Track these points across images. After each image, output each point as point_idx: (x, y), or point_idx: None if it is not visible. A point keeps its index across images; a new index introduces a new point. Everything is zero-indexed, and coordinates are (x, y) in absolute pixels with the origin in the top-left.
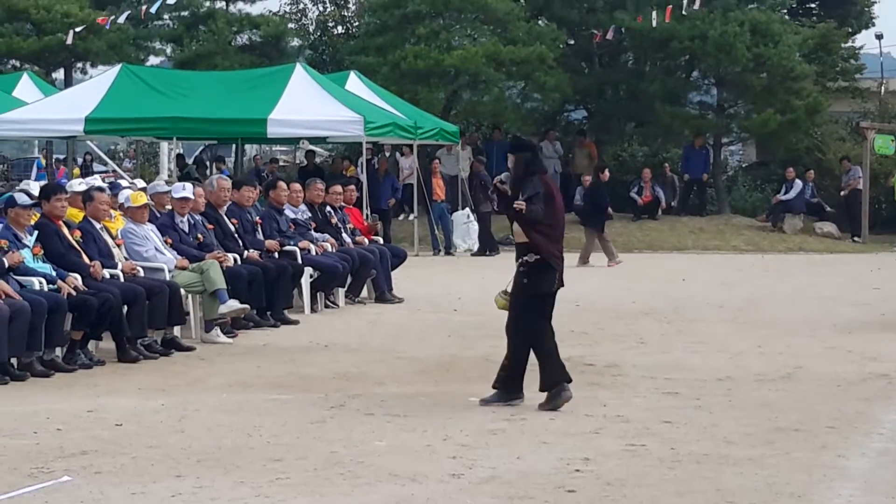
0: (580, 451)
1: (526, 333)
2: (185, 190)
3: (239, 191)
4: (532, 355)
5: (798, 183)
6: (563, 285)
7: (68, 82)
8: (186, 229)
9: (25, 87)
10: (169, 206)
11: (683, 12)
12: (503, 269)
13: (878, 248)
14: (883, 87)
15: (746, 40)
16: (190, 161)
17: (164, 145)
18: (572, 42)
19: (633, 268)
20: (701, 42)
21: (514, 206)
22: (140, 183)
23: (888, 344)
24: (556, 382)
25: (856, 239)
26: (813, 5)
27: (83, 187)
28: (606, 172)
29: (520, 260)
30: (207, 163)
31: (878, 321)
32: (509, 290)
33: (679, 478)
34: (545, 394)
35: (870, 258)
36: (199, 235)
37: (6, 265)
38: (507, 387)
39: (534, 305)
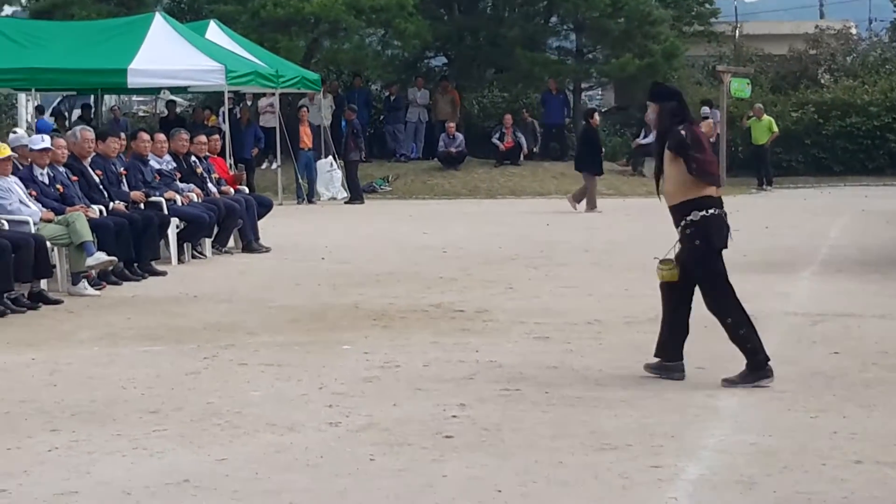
0: (455, 396)
1: (717, 302)
2: (44, 141)
3: (104, 142)
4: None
5: None
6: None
7: None
8: (47, 181)
9: None
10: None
11: None
12: (367, 217)
13: (735, 191)
14: (738, 31)
15: None
16: (48, 113)
17: (22, 97)
18: None
19: (497, 213)
20: None
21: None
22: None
23: (751, 285)
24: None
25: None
26: None
27: None
28: (596, 117)
29: (683, 222)
30: (66, 114)
31: (741, 262)
32: (673, 256)
33: (554, 420)
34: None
35: (728, 200)
36: (60, 187)
37: None
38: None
39: (716, 265)
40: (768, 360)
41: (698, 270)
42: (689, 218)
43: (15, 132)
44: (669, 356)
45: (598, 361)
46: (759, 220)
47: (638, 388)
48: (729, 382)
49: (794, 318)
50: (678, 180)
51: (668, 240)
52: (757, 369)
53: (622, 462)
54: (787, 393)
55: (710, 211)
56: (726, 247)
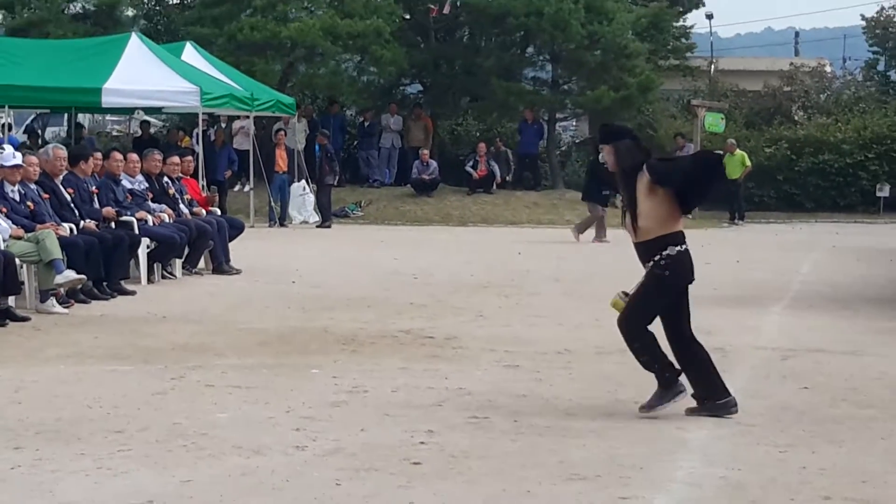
0: (424, 423)
1: (631, 325)
2: (16, 158)
3: (75, 166)
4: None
5: None
6: None
7: None
8: (17, 198)
9: None
10: None
11: None
12: (339, 242)
13: (707, 224)
14: (713, 66)
15: (581, 17)
16: (20, 130)
17: None
18: (409, 16)
19: (468, 241)
20: (536, 18)
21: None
22: None
23: (721, 319)
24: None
25: (687, 216)
26: None
27: None
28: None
29: (658, 256)
30: (39, 132)
31: (711, 296)
32: (630, 291)
33: (522, 450)
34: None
35: (700, 234)
36: (30, 204)
37: None
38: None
39: (665, 299)
40: (679, 374)
41: (645, 291)
42: (664, 252)
43: None
44: (717, 394)
45: (568, 391)
46: (730, 253)
47: (607, 419)
48: (647, 407)
49: (764, 353)
50: (656, 215)
51: (639, 272)
52: (668, 386)
53: (590, 493)
54: (756, 427)
55: (683, 246)
56: (692, 281)
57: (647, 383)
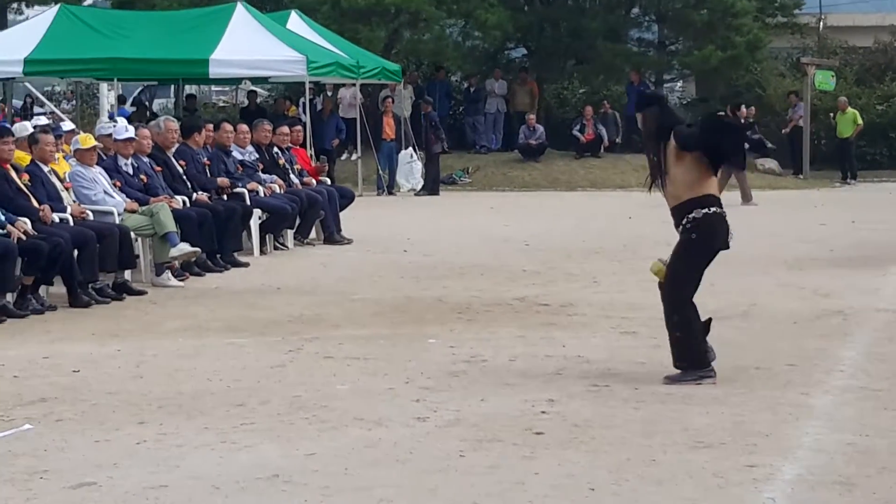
0: (544, 392)
1: (678, 296)
2: (128, 131)
3: (191, 137)
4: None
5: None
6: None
7: (2, 23)
8: (131, 172)
9: None
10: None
11: None
12: (448, 209)
13: (819, 185)
14: (822, 23)
15: None
16: (129, 102)
17: (104, 86)
18: None
19: (578, 206)
20: None
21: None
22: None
23: (839, 280)
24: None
25: (799, 175)
26: None
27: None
28: (744, 109)
29: (685, 220)
30: (147, 104)
31: (828, 257)
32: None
33: (645, 418)
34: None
35: (812, 194)
36: (143, 177)
37: None
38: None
39: (700, 264)
40: (709, 363)
41: (677, 257)
42: (691, 216)
43: (102, 122)
44: (697, 363)
45: None
46: (844, 214)
47: (729, 385)
48: (669, 380)
49: (886, 315)
50: (684, 179)
51: (754, 235)
52: (696, 368)
53: (717, 461)
54: (882, 392)
55: (713, 209)
56: (727, 247)
57: (768, 348)
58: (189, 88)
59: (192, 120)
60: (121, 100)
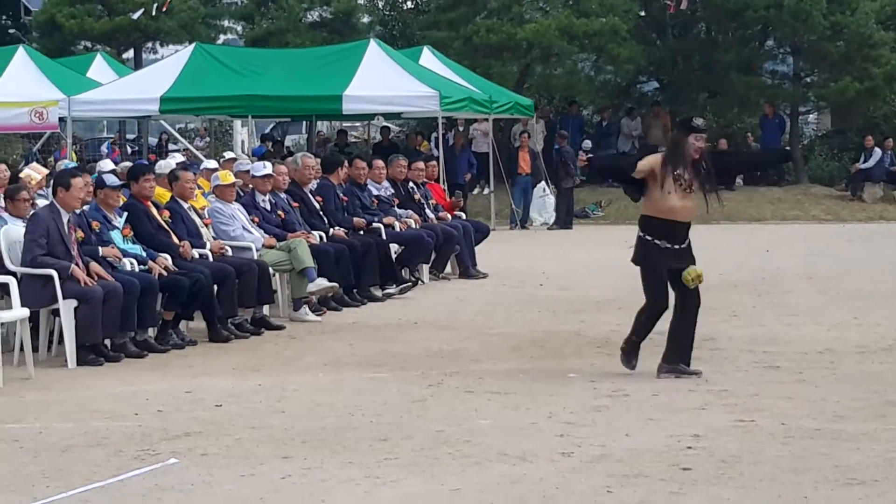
0: (689, 427)
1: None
2: (266, 168)
3: (334, 172)
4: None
5: (877, 151)
6: None
7: (138, 62)
8: (269, 208)
9: (99, 67)
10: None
11: None
12: (582, 243)
13: None
14: None
15: (823, 8)
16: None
17: (238, 123)
18: (645, 13)
19: (714, 239)
20: (776, 10)
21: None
22: (212, 163)
23: None
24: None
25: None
26: None
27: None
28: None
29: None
30: (279, 140)
31: None
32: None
33: (794, 454)
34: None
35: None
36: (281, 213)
37: (100, 251)
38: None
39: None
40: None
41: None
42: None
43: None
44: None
45: (834, 392)
46: None
47: (879, 420)
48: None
49: None
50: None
51: (894, 268)
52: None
53: (870, 498)
54: None
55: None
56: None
57: None
58: (321, 125)
59: (333, 156)
60: (268, 138)
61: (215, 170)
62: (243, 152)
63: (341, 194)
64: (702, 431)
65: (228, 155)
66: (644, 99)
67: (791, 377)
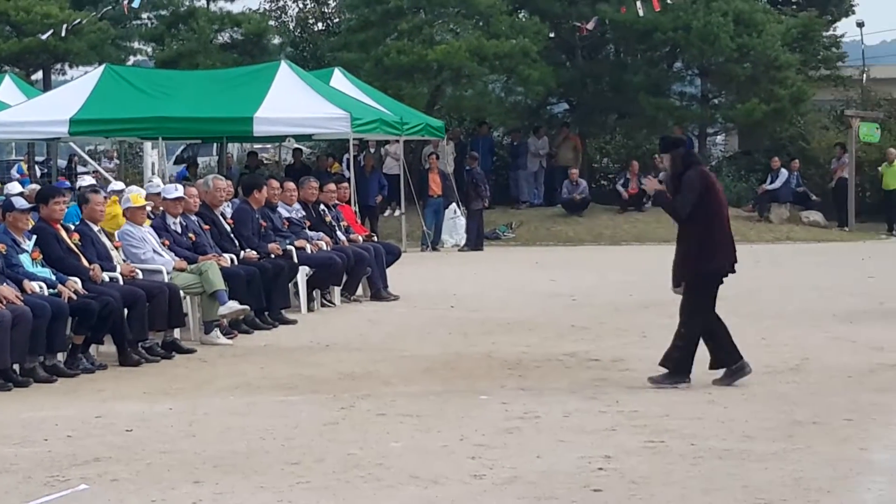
0: (600, 448)
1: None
2: (178, 190)
3: (251, 195)
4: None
5: (784, 172)
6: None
7: (47, 84)
8: (179, 230)
9: (7, 89)
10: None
11: (669, 0)
12: (493, 264)
13: (865, 237)
14: (865, 75)
15: (730, 30)
16: (171, 161)
17: (148, 146)
18: (554, 35)
19: (623, 260)
20: (685, 32)
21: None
22: (119, 185)
23: (891, 333)
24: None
25: (844, 228)
26: None
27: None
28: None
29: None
30: (196, 161)
31: (878, 310)
32: None
33: (704, 475)
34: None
35: (858, 246)
36: (192, 235)
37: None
38: (677, 368)
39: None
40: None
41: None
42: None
43: (151, 181)
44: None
45: (743, 413)
46: (892, 266)
47: (787, 440)
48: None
49: None
50: None
51: (801, 288)
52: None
53: None
54: None
55: None
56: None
57: (824, 403)
58: (231, 147)
59: (253, 178)
60: (178, 160)
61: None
62: (153, 174)
63: (259, 218)
64: (612, 453)
65: (155, 185)
66: (554, 120)
67: (700, 398)
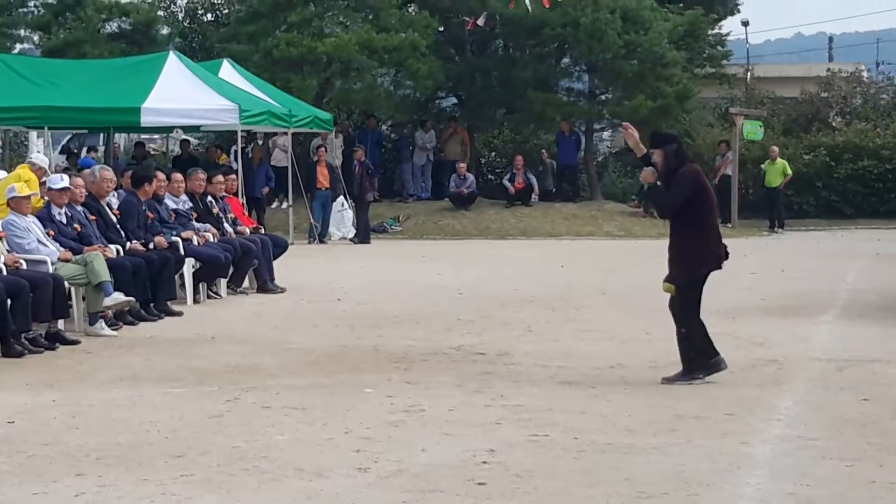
0: (484, 442)
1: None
2: (63, 181)
3: (140, 187)
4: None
5: None
6: (719, 268)
7: None
8: (65, 221)
9: None
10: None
11: None
12: (380, 258)
13: (747, 233)
14: (749, 73)
15: (617, 27)
16: (57, 150)
17: (33, 135)
18: (444, 30)
19: (509, 255)
20: (573, 29)
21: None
22: (1, 174)
23: (772, 329)
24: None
25: (727, 224)
26: None
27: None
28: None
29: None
30: (76, 152)
31: (760, 306)
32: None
33: (587, 468)
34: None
35: (741, 242)
36: (77, 226)
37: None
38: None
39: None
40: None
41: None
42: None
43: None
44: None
45: (626, 407)
46: (773, 262)
47: (669, 434)
48: (666, 380)
49: (820, 364)
50: None
51: None
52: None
53: None
54: (819, 441)
55: None
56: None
57: (706, 397)
58: (118, 137)
59: (143, 169)
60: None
61: None
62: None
63: (146, 209)
64: (496, 446)
65: (37, 161)
66: (443, 114)
67: (584, 392)
